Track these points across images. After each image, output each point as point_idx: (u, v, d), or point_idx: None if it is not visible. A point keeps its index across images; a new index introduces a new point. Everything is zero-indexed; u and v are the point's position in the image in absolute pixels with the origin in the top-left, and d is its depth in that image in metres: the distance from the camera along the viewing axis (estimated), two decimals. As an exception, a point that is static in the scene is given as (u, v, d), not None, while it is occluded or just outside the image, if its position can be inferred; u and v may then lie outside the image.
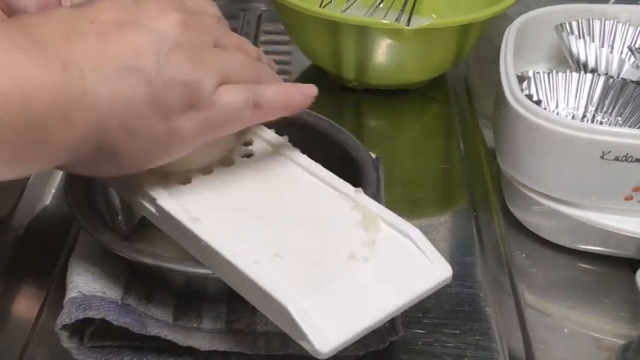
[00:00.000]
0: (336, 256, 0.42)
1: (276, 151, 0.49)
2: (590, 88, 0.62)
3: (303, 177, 0.48)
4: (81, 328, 0.46)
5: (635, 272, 0.50)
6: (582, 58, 0.64)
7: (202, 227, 0.42)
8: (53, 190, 0.62)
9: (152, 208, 0.45)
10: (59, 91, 0.36)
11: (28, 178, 0.61)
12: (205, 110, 0.41)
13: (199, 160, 0.46)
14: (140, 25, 0.39)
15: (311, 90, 0.45)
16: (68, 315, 0.44)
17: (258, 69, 0.45)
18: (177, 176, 0.46)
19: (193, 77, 0.40)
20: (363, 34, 0.69)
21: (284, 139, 0.50)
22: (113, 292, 0.46)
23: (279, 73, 0.48)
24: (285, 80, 0.47)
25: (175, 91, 0.39)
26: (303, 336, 0.37)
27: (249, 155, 0.49)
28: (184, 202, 0.44)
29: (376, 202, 0.46)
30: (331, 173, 0.48)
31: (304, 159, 0.49)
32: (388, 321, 0.41)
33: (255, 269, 0.40)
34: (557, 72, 0.62)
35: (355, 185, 0.47)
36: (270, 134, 0.51)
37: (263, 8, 0.91)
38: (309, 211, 0.45)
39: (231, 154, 0.49)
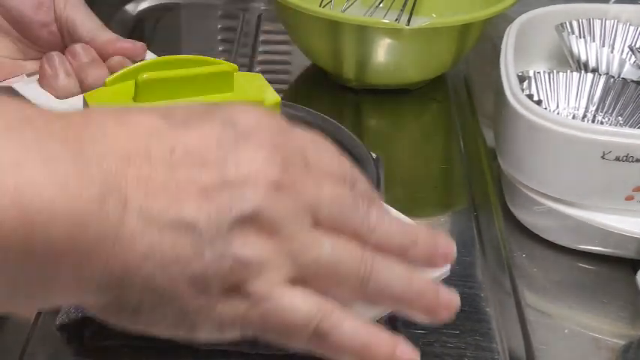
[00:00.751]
0: None
1: None
2: (591, 87, 0.62)
3: None
4: (80, 328, 0.46)
5: (635, 272, 0.50)
6: (583, 57, 0.64)
7: None
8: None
9: None
10: (81, 227, 0.28)
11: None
12: (252, 303, 0.31)
13: None
14: (222, 170, 0.30)
15: (410, 355, 0.32)
16: (67, 315, 0.44)
17: (371, 274, 0.32)
18: None
19: (252, 257, 0.30)
20: (363, 33, 0.69)
21: None
22: (113, 292, 0.46)
23: (279, 73, 0.47)
24: (284, 81, 0.46)
25: (225, 267, 0.30)
26: None
27: None
28: None
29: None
30: None
31: None
32: (388, 321, 0.41)
33: None
34: (557, 72, 0.62)
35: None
36: None
37: (263, 8, 0.91)
38: None
39: None
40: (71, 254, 0.28)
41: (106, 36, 0.59)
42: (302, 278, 0.31)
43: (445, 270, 0.42)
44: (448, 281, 0.44)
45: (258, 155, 0.31)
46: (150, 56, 0.60)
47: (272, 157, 0.31)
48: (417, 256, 0.35)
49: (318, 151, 0.34)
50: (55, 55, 0.57)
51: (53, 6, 0.58)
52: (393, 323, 0.46)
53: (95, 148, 0.29)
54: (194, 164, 0.30)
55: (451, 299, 0.34)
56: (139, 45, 0.60)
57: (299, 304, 0.31)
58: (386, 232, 0.34)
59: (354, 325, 0.32)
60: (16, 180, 0.26)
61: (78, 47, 0.57)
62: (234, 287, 0.30)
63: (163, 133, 0.30)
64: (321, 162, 0.33)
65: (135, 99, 0.49)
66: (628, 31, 0.66)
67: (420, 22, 0.68)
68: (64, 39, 0.59)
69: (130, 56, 0.59)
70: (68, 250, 0.28)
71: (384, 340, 0.32)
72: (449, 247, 0.36)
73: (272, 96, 0.53)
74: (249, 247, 0.30)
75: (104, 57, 0.58)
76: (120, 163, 0.29)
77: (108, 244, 0.28)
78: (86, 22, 0.58)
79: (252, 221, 0.30)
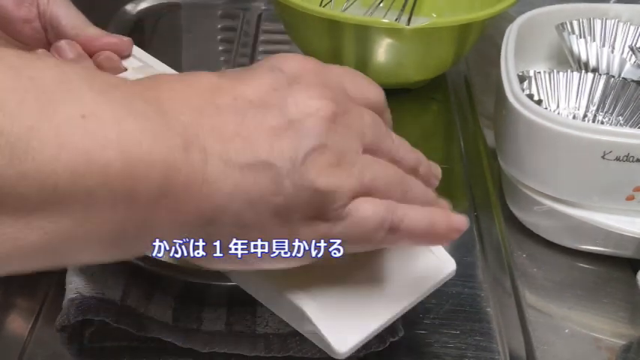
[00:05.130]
0: (345, 255, 0.42)
1: None
2: (591, 87, 0.62)
3: None
4: (80, 329, 0.46)
5: (635, 272, 0.50)
6: (583, 57, 0.64)
7: None
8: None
9: None
10: (174, 171, 0.31)
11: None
12: (332, 222, 0.35)
13: None
14: (284, 112, 0.34)
15: (460, 222, 0.39)
16: (67, 316, 0.44)
17: (407, 187, 0.38)
18: None
19: (328, 186, 0.34)
20: (363, 33, 0.69)
21: None
22: (112, 293, 0.46)
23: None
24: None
25: (304, 197, 0.34)
26: (321, 337, 0.38)
27: None
28: None
29: None
30: None
31: None
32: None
33: (269, 273, 0.40)
34: (558, 72, 0.62)
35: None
36: None
37: (263, 8, 0.91)
38: None
39: None
40: (167, 198, 0.31)
41: (91, 31, 0.58)
42: (365, 193, 0.35)
43: (451, 271, 0.43)
44: (449, 280, 0.44)
45: (311, 94, 0.35)
46: (136, 51, 0.59)
47: (323, 93, 0.35)
48: (423, 175, 0.41)
49: (354, 82, 0.39)
50: (41, 52, 0.57)
51: (36, 2, 0.57)
52: (394, 323, 0.46)
53: (171, 105, 0.32)
54: (258, 109, 0.34)
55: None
56: (126, 40, 0.59)
57: (370, 210, 0.35)
58: (407, 156, 0.40)
59: (416, 211, 0.37)
60: (117, 134, 0.29)
61: (63, 43, 0.57)
62: (315, 213, 0.34)
63: (224, 87, 0.34)
64: (360, 92, 0.38)
65: None
66: (628, 31, 0.66)
67: (420, 22, 0.68)
68: (48, 35, 0.58)
69: (117, 51, 0.58)
70: (164, 194, 0.31)
71: (441, 215, 0.38)
72: (438, 169, 0.42)
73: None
74: (324, 176, 0.34)
75: (90, 53, 0.57)
76: (195, 115, 0.32)
77: (196, 187, 0.32)
78: (70, 18, 0.58)
79: (320, 152, 0.34)
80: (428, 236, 0.38)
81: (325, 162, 0.34)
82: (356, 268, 0.41)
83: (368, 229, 0.36)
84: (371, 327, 0.39)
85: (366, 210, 0.35)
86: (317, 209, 0.34)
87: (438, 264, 0.43)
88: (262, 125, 0.33)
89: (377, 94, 0.40)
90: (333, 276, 0.41)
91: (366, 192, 0.36)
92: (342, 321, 0.39)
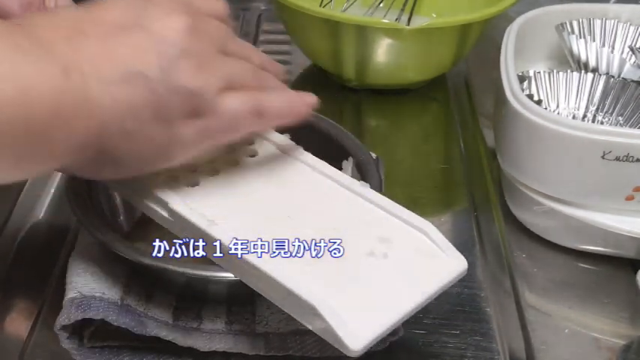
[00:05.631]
0: (355, 253, 0.42)
1: (280, 149, 0.50)
2: (591, 87, 0.62)
3: (309, 175, 0.48)
4: (80, 329, 0.46)
5: (635, 272, 0.50)
6: (583, 57, 0.64)
7: (220, 230, 0.42)
8: (52, 190, 0.62)
9: (164, 213, 0.45)
10: (60, 95, 0.35)
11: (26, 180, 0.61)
12: (207, 117, 0.41)
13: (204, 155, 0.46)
14: (145, 29, 0.39)
15: (312, 99, 0.46)
16: (67, 315, 0.44)
17: (262, 77, 0.44)
18: (185, 178, 0.46)
19: (197, 85, 0.39)
20: (363, 33, 0.69)
21: (287, 138, 0.50)
22: (112, 292, 0.46)
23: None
24: (284, 81, 0.47)
25: (178, 98, 0.39)
26: (335, 335, 0.38)
27: (253, 155, 0.49)
28: (196, 205, 0.44)
29: (386, 197, 0.46)
30: (337, 170, 0.48)
31: (308, 157, 0.49)
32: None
33: (281, 271, 0.40)
34: (557, 72, 0.62)
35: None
36: (273, 133, 0.51)
37: (263, 8, 0.91)
38: (322, 209, 0.45)
39: (235, 154, 0.49)
40: (58, 119, 0.35)
41: None
42: (228, 87, 0.41)
43: (462, 269, 0.43)
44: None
45: (167, 10, 0.40)
46: None
47: (177, 8, 0.40)
48: (271, 70, 0.47)
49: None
50: None
51: (43, 7, 0.58)
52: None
53: (46, 36, 0.36)
54: (122, 29, 0.38)
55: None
56: None
57: (237, 99, 0.41)
58: (254, 54, 0.46)
59: (275, 96, 0.44)
60: (9, 65, 0.34)
61: None
62: (189, 111, 0.40)
63: (86, 16, 0.39)
64: (205, 5, 0.44)
65: None
66: (628, 31, 0.66)
67: (420, 22, 0.68)
68: None
69: None
70: (55, 116, 0.35)
71: (296, 96, 0.45)
72: (281, 66, 0.48)
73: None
74: (191, 77, 0.39)
75: None
76: (67, 43, 0.36)
77: (81, 106, 0.36)
78: None
79: (184, 58, 0.39)
80: (290, 115, 0.45)
81: (190, 66, 0.39)
82: (366, 266, 0.41)
83: (238, 117, 0.42)
84: (384, 323, 0.39)
85: (233, 100, 0.41)
86: (191, 107, 0.40)
87: (449, 262, 0.43)
88: (129, 44, 0.38)
89: (220, 6, 0.45)
90: (344, 273, 0.41)
91: (229, 86, 0.41)
92: (355, 317, 0.38)
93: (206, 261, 0.44)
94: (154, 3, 0.40)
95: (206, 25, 0.42)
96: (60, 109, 0.35)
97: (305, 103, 0.45)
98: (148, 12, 0.40)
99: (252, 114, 0.42)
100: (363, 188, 0.47)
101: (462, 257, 0.43)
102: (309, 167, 0.48)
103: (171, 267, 0.44)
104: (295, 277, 0.40)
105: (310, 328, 0.40)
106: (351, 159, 0.53)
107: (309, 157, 0.49)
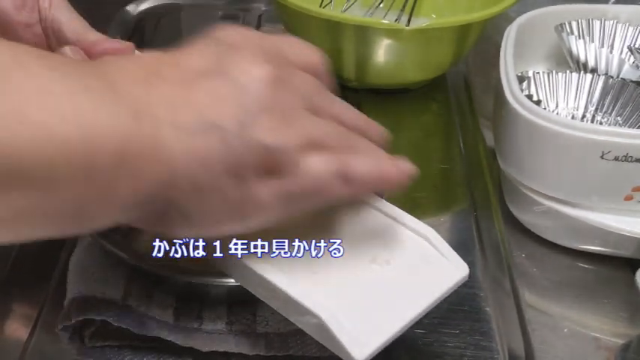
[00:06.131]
0: (359, 260, 0.42)
1: None
2: (590, 88, 0.62)
3: None
4: (81, 329, 0.46)
5: (634, 272, 0.50)
6: (582, 58, 0.64)
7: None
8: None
9: None
10: (128, 140, 0.32)
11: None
12: (286, 178, 0.37)
13: None
14: (227, 76, 0.36)
15: (407, 166, 0.41)
16: (68, 316, 0.44)
17: (351, 138, 0.40)
18: None
19: (275, 142, 0.36)
20: (363, 34, 0.69)
21: None
22: (113, 293, 0.46)
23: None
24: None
25: (253, 154, 0.36)
26: (339, 345, 0.38)
27: None
28: None
29: (388, 203, 0.46)
30: None
31: None
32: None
33: (285, 280, 0.40)
34: (557, 72, 0.62)
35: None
36: None
37: (263, 8, 0.91)
38: (327, 216, 0.45)
39: None
40: (124, 167, 0.32)
41: (92, 36, 0.57)
42: (312, 148, 0.37)
43: (464, 275, 0.43)
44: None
45: (253, 60, 0.37)
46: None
47: (264, 59, 0.37)
48: (367, 133, 0.43)
49: (293, 47, 0.41)
50: None
51: (37, 7, 0.57)
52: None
53: (120, 80, 0.34)
54: (203, 76, 0.36)
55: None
56: (127, 45, 0.58)
57: (321, 162, 0.37)
58: (349, 116, 0.42)
59: (365, 160, 0.39)
60: (73, 109, 0.31)
61: (67, 49, 0.56)
62: (266, 170, 0.36)
63: (167, 60, 0.36)
64: (298, 56, 0.40)
65: None
66: (627, 32, 0.66)
67: (419, 22, 0.68)
68: (49, 40, 0.58)
69: None
70: (121, 163, 0.32)
71: (388, 161, 0.40)
72: (382, 129, 0.45)
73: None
74: (270, 134, 0.36)
75: (91, 58, 0.57)
76: (143, 87, 0.34)
77: (150, 154, 0.33)
78: (72, 23, 0.57)
79: (265, 113, 0.36)
80: (381, 182, 0.40)
81: (270, 121, 0.36)
82: (369, 274, 0.41)
83: (323, 181, 0.37)
84: (388, 331, 0.39)
85: (317, 162, 0.37)
86: (267, 165, 0.36)
87: (450, 268, 0.43)
88: (208, 91, 0.35)
89: (315, 59, 0.42)
90: (347, 282, 0.41)
91: (314, 147, 0.37)
92: (359, 327, 0.38)
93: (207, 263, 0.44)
94: (240, 49, 0.37)
95: (293, 78, 0.38)
96: (127, 155, 0.32)
97: (399, 170, 0.40)
98: (232, 59, 0.37)
99: (337, 178, 0.38)
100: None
101: (464, 263, 0.43)
102: None
103: (171, 273, 0.44)
104: (298, 285, 0.40)
105: (314, 337, 0.40)
106: None
107: None
